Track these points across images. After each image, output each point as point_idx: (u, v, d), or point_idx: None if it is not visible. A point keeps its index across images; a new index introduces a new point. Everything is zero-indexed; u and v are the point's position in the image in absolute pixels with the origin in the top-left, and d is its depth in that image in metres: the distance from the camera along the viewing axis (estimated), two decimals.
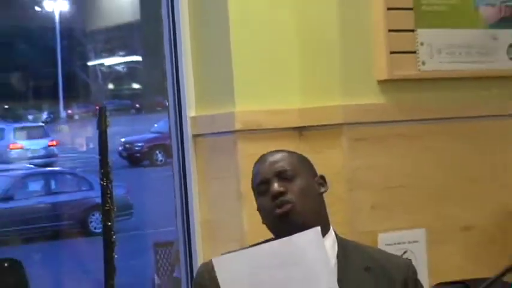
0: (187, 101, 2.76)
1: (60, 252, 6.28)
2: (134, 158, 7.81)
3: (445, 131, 2.79)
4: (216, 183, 2.71)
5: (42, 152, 7.00)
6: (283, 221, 1.84)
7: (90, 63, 7.18)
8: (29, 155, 6.91)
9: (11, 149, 6.91)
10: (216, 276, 1.71)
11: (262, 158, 1.95)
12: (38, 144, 7.01)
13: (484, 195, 2.82)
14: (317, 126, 2.65)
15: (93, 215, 6.16)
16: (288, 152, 1.96)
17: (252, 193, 2.04)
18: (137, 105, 7.73)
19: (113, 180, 2.46)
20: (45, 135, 7.10)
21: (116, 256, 2.47)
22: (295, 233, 1.79)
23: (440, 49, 2.78)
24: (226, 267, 1.70)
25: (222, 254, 1.85)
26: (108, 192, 2.47)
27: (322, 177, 1.96)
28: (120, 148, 7.66)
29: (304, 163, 1.95)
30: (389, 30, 2.68)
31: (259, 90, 2.65)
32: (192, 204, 2.75)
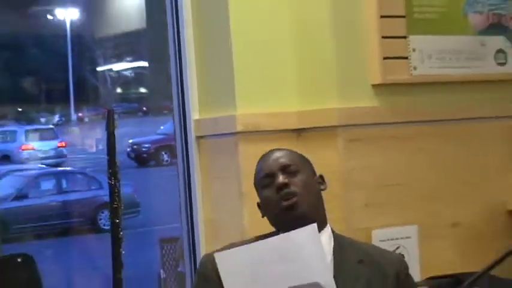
0: (191, 105, 2.76)
1: (70, 248, 6.28)
2: (141, 158, 7.80)
3: (436, 132, 2.78)
4: (218, 182, 2.70)
5: (52, 153, 7.03)
6: (288, 213, 1.85)
7: (99, 69, 7.19)
8: (40, 155, 6.93)
9: (23, 150, 6.92)
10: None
11: (266, 155, 1.96)
12: (48, 146, 7.04)
13: (473, 194, 2.82)
14: (314, 128, 2.64)
15: (102, 212, 6.16)
16: (290, 150, 1.98)
17: (252, 192, 2.05)
18: (144, 108, 7.73)
19: (121, 180, 2.46)
20: (54, 136, 7.12)
21: (123, 252, 2.47)
22: (298, 223, 1.79)
23: (431, 55, 2.77)
24: (227, 262, 1.70)
25: (225, 246, 1.86)
26: (116, 190, 2.47)
27: (321, 177, 1.97)
28: (128, 149, 7.66)
29: (305, 161, 1.96)
30: (383, 37, 2.68)
31: (259, 94, 2.65)
32: (195, 202, 2.75)
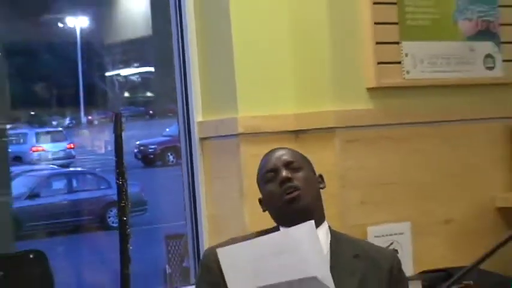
0: (195, 108, 2.75)
1: (81, 244, 6.28)
2: (148, 159, 7.80)
3: (429, 133, 2.78)
4: (220, 181, 2.70)
5: (62, 154, 7.04)
6: (290, 205, 1.85)
7: (107, 74, 7.19)
8: (50, 156, 6.94)
9: (34, 151, 6.94)
10: None
11: (269, 153, 1.97)
12: (57, 147, 7.05)
13: (463, 192, 2.82)
14: (312, 129, 2.64)
15: (111, 210, 6.15)
16: (292, 149, 1.98)
17: (253, 191, 2.04)
18: (150, 112, 7.73)
19: (129, 179, 2.46)
20: (64, 138, 7.13)
21: (130, 248, 2.47)
22: (299, 216, 1.80)
23: (422, 59, 2.77)
24: (229, 257, 1.70)
25: (226, 241, 1.86)
26: (124, 190, 2.47)
27: (321, 176, 1.98)
28: (136, 150, 7.66)
29: (306, 160, 1.97)
30: (377, 43, 2.68)
31: (259, 98, 2.65)
32: (199, 201, 2.75)
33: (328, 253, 1.87)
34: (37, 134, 6.99)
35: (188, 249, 2.82)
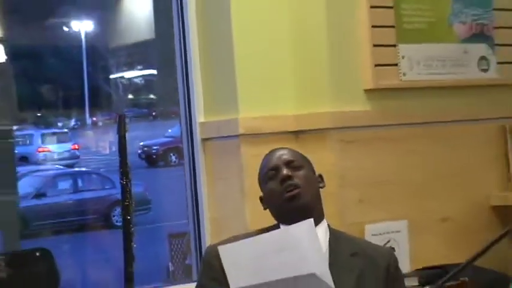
0: (197, 109, 2.76)
1: (86, 242, 6.27)
2: (151, 159, 7.80)
3: (425, 134, 2.78)
4: (222, 181, 2.70)
5: (66, 155, 7.05)
6: (290, 203, 1.85)
7: (112, 76, 7.19)
8: (55, 157, 6.95)
9: (39, 151, 6.94)
10: None
11: (270, 152, 1.97)
12: (62, 148, 7.06)
13: (459, 191, 2.82)
14: (311, 130, 2.64)
15: (115, 210, 6.15)
16: (293, 149, 1.99)
17: (254, 190, 2.04)
18: (153, 113, 7.72)
19: (132, 179, 2.46)
20: (68, 139, 7.14)
21: (134, 246, 2.47)
22: (299, 213, 1.80)
23: (419, 61, 2.78)
24: (230, 255, 1.70)
25: (227, 238, 1.86)
26: (128, 189, 2.47)
27: (321, 176, 1.98)
28: (139, 151, 7.66)
29: (306, 160, 1.97)
30: (374, 45, 2.68)
31: (260, 99, 2.65)
32: (201, 200, 2.75)
33: (327, 251, 1.87)
34: (43, 135, 6.99)
35: (190, 247, 2.82)
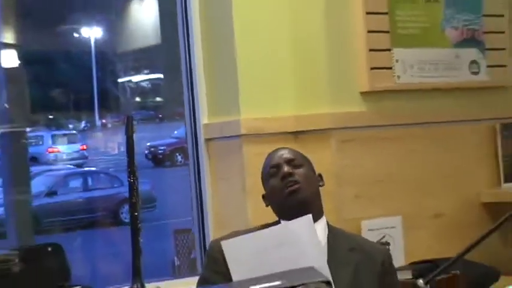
0: (201, 111, 2.76)
1: (95, 238, 6.27)
2: (158, 159, 7.79)
3: (419, 134, 2.78)
4: (225, 179, 2.70)
5: (75, 155, 7.06)
6: (291, 198, 1.86)
7: (120, 80, 7.18)
8: (64, 157, 6.96)
9: (49, 152, 6.95)
10: None
11: (273, 152, 1.99)
12: (71, 148, 7.06)
13: (451, 188, 2.82)
14: (310, 130, 2.64)
15: (124, 207, 6.14)
16: (294, 149, 1.99)
17: (255, 188, 2.04)
18: (160, 115, 7.71)
19: (140, 178, 2.46)
20: (77, 140, 7.15)
21: (141, 241, 2.47)
22: (299, 208, 1.81)
23: (412, 65, 2.78)
24: (232, 249, 1.70)
25: (230, 234, 1.86)
26: (135, 187, 2.47)
27: (320, 175, 1.99)
28: (146, 151, 7.65)
29: (307, 159, 1.98)
30: (370, 50, 2.68)
31: (261, 101, 2.65)
32: (205, 198, 2.75)
33: (326, 246, 1.87)
34: (53, 136, 7.00)
35: (195, 243, 2.82)
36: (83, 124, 7.50)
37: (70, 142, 7.17)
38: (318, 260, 1.64)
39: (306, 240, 1.67)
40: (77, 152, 7.20)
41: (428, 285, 1.28)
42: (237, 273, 1.66)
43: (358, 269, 1.86)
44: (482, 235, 1.32)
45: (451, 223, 2.79)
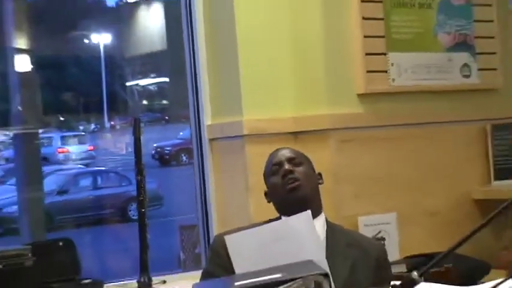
0: (205, 112, 2.76)
1: (105, 234, 6.27)
2: (164, 159, 7.79)
3: (413, 134, 2.78)
4: (228, 178, 2.70)
5: (84, 155, 7.08)
6: (291, 194, 1.86)
7: (128, 84, 7.19)
8: (73, 157, 6.97)
9: (59, 152, 6.97)
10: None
11: (275, 151, 1.99)
12: (80, 149, 7.08)
13: (444, 186, 2.82)
14: (309, 131, 2.64)
15: (131, 205, 6.14)
16: (295, 149, 1.99)
17: (257, 186, 2.04)
18: (166, 117, 7.71)
19: (147, 177, 2.47)
20: (85, 141, 7.18)
21: (148, 236, 2.47)
22: (300, 204, 1.81)
23: (407, 69, 2.77)
24: (235, 243, 1.70)
25: (233, 229, 1.86)
26: (142, 185, 2.47)
27: (320, 174, 1.99)
28: (153, 152, 7.65)
29: (307, 158, 1.98)
30: (366, 54, 2.68)
31: (262, 103, 2.65)
32: (209, 196, 2.75)
33: (324, 241, 1.87)
34: (62, 137, 7.02)
35: (199, 238, 2.82)
36: (92, 126, 7.51)
37: (79, 143, 7.18)
38: (316, 254, 1.64)
39: (305, 235, 1.67)
40: (85, 152, 7.22)
41: (422, 277, 1.28)
42: (240, 266, 1.66)
43: (355, 264, 1.86)
44: (474, 229, 1.32)
45: (443, 219, 2.78)
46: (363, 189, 2.64)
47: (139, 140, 2.48)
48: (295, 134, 2.66)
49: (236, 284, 1.33)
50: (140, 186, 2.47)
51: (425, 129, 2.80)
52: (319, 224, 1.88)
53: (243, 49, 2.63)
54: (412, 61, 2.78)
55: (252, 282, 1.31)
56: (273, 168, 1.92)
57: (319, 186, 1.96)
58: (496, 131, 2.93)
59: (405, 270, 2.41)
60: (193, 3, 2.76)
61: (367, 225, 2.57)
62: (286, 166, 1.90)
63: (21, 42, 3.76)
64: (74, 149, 7.13)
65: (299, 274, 1.31)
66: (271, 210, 1.97)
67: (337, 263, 1.79)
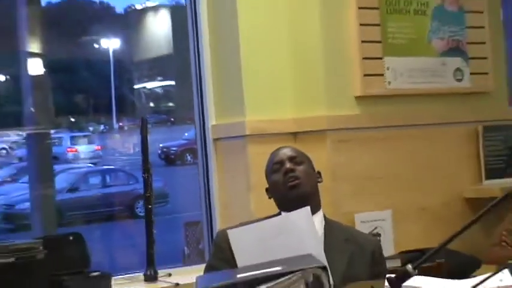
0: (209, 113, 2.76)
1: (113, 230, 6.27)
2: (170, 159, 7.79)
3: (407, 135, 2.78)
4: (231, 176, 2.70)
5: (91, 154, 7.11)
6: (291, 191, 1.86)
7: (135, 87, 7.20)
8: (81, 156, 6.99)
9: (68, 152, 6.99)
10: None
11: (277, 149, 1.99)
12: (88, 149, 7.11)
13: (437, 185, 2.81)
14: (308, 131, 2.64)
15: (139, 202, 6.14)
16: (296, 148, 1.99)
17: (258, 184, 2.04)
18: (172, 119, 7.72)
19: (153, 175, 2.47)
20: (93, 141, 7.20)
21: (154, 231, 2.48)
22: (299, 201, 1.81)
23: (402, 72, 2.77)
24: (238, 238, 1.70)
25: (235, 225, 1.86)
26: (149, 182, 2.49)
27: (319, 172, 1.99)
28: (159, 152, 7.66)
29: (307, 158, 1.98)
30: (363, 58, 2.68)
31: (264, 105, 2.65)
32: (212, 193, 2.75)
33: (322, 236, 1.87)
34: (72, 137, 7.04)
35: (203, 234, 2.82)
36: (101, 127, 7.52)
37: (87, 143, 7.20)
38: (315, 248, 1.64)
39: (305, 229, 1.67)
40: (93, 152, 7.24)
41: (416, 270, 1.28)
42: (242, 260, 1.66)
43: (352, 258, 1.86)
44: (464, 225, 1.32)
45: (436, 216, 2.78)
46: (359, 188, 2.64)
47: (147, 138, 2.49)
48: (295, 134, 2.66)
49: (238, 276, 1.33)
50: (147, 183, 2.48)
51: (420, 130, 2.80)
52: (318, 220, 1.88)
53: (246, 54, 2.63)
54: (407, 65, 2.77)
55: (253, 275, 1.31)
56: (274, 167, 1.92)
57: (318, 184, 1.96)
58: (487, 132, 2.93)
59: (400, 264, 2.41)
60: (198, 10, 2.76)
61: (364, 222, 2.57)
62: (288, 165, 1.90)
63: (34, 46, 3.77)
64: (82, 148, 7.14)
65: (298, 267, 1.31)
66: (272, 207, 1.97)
67: (334, 258, 1.79)
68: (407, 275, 1.29)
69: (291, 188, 1.87)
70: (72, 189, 6.37)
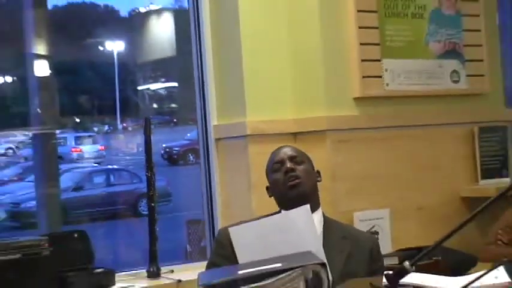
0: (211, 114, 2.76)
1: (117, 228, 6.28)
2: (172, 159, 7.79)
3: (405, 135, 2.78)
4: (232, 175, 2.70)
5: (95, 154, 7.12)
6: (291, 191, 1.86)
7: (139, 88, 7.20)
8: (85, 156, 7.01)
9: (73, 152, 7.01)
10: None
11: (277, 149, 1.99)
12: (91, 149, 7.12)
13: (434, 184, 2.82)
14: (308, 132, 2.64)
15: (142, 201, 6.14)
16: (296, 147, 1.99)
17: (259, 183, 2.04)
18: (174, 120, 7.72)
19: (156, 175, 2.48)
20: (97, 141, 7.22)
21: (157, 229, 2.48)
22: (299, 200, 1.81)
23: (400, 74, 2.77)
24: (239, 235, 1.70)
25: (236, 223, 1.85)
26: (152, 181, 2.49)
27: (318, 172, 1.99)
28: (162, 152, 7.66)
29: (307, 157, 1.98)
30: (362, 60, 2.68)
31: (264, 106, 2.65)
32: (214, 192, 2.75)
33: (321, 233, 1.87)
34: (76, 137, 7.05)
35: (205, 232, 2.82)
36: (106, 127, 7.52)
37: (92, 143, 7.21)
38: (314, 245, 1.64)
39: (304, 227, 1.67)
40: (97, 151, 7.26)
41: (413, 267, 1.28)
42: (243, 257, 1.66)
43: (350, 255, 1.86)
44: (460, 223, 1.32)
45: (433, 215, 2.78)
46: (358, 187, 2.64)
47: (150, 139, 2.49)
48: (295, 135, 2.66)
49: (239, 272, 1.32)
50: (150, 182, 2.48)
51: (417, 131, 2.80)
52: (317, 219, 1.88)
53: (247, 56, 2.64)
54: (405, 67, 2.77)
55: (254, 271, 1.31)
56: (275, 166, 1.92)
57: (318, 183, 1.96)
58: (483, 133, 2.93)
59: (397, 262, 2.41)
60: (201, 13, 2.76)
61: (362, 220, 2.57)
62: (288, 164, 1.90)
63: (40, 48, 3.77)
64: (86, 148, 7.16)
65: (298, 264, 1.31)
66: (272, 205, 1.97)
67: (333, 255, 1.79)
68: (405, 272, 1.29)
69: (291, 187, 1.87)
70: (77, 188, 6.37)
